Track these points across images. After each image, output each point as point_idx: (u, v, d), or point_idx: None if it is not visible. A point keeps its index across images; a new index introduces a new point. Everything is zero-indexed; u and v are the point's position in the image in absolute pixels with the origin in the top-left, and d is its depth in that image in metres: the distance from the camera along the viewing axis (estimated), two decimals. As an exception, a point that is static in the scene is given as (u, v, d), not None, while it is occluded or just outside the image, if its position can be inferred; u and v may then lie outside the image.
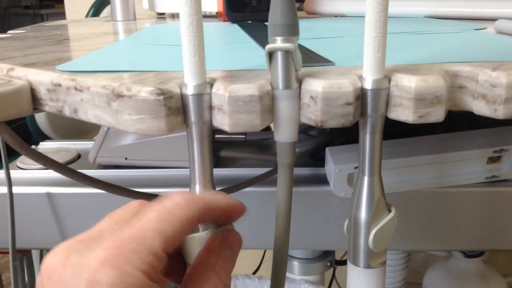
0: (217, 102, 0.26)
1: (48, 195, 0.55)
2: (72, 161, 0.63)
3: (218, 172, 0.60)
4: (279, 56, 0.26)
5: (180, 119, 0.26)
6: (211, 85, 0.26)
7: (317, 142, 0.59)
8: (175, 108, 0.25)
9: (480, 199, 0.52)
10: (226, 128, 0.26)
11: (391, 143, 0.50)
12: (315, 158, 0.60)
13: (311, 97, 0.26)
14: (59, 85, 0.28)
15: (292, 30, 0.25)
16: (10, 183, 0.53)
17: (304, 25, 0.57)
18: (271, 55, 0.26)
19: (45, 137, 1.04)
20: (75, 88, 0.28)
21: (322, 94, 0.25)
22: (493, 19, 0.56)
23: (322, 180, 0.52)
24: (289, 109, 0.26)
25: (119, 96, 0.25)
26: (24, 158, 0.61)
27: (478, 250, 0.70)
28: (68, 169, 0.39)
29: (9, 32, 0.57)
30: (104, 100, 0.26)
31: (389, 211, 0.29)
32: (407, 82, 0.26)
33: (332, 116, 0.26)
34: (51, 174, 0.57)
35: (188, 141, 0.27)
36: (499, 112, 0.26)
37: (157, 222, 0.21)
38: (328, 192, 0.51)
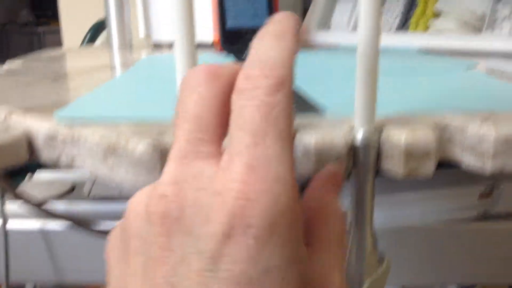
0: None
1: (42, 229, 0.55)
2: (67, 192, 0.63)
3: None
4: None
5: (175, 172, 0.26)
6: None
7: (306, 179, 0.60)
8: (170, 162, 0.26)
9: (471, 234, 0.52)
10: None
11: (379, 179, 0.50)
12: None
13: (304, 150, 0.26)
14: (56, 134, 0.29)
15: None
16: (5, 218, 0.53)
17: (298, 58, 0.58)
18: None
19: (42, 165, 1.04)
20: (72, 139, 0.28)
21: (315, 148, 0.26)
22: (484, 54, 0.57)
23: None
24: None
25: (115, 151, 0.26)
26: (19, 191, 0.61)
27: (470, 284, 0.71)
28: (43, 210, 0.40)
29: (6, 64, 0.57)
30: (101, 153, 0.26)
31: (382, 262, 0.30)
32: (397, 136, 0.26)
33: (325, 170, 0.26)
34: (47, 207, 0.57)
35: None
36: (487, 166, 0.27)
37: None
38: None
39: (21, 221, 0.54)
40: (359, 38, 0.25)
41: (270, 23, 0.21)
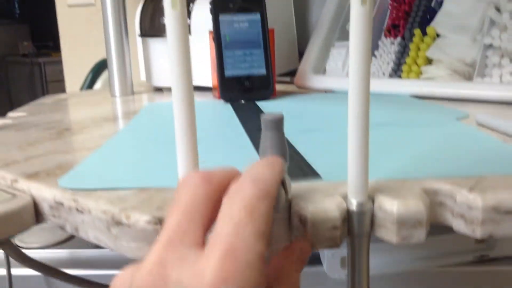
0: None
1: (46, 278, 0.56)
2: (69, 239, 0.63)
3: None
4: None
5: (176, 242, 0.27)
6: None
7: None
8: (172, 234, 0.27)
9: (468, 278, 0.53)
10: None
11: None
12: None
13: (300, 221, 0.28)
14: (61, 204, 0.30)
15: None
16: (9, 265, 0.54)
17: (293, 106, 0.59)
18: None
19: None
20: (77, 209, 0.29)
21: (310, 219, 0.27)
22: (475, 101, 0.58)
23: (317, 261, 0.53)
24: (278, 232, 0.28)
25: (118, 223, 0.27)
26: (24, 236, 0.62)
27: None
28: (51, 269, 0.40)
29: (9, 115, 0.59)
30: (104, 225, 0.27)
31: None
32: (389, 206, 0.28)
33: (320, 240, 0.27)
34: (49, 254, 0.58)
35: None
36: (477, 233, 0.28)
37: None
38: (322, 273, 0.52)
39: (25, 268, 0.55)
40: (350, 114, 0.27)
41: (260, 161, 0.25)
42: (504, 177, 0.31)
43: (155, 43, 0.76)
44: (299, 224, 0.27)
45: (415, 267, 0.51)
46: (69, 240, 0.63)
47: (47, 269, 0.38)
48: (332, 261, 0.48)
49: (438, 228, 0.52)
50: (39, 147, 0.42)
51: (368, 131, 0.27)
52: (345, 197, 0.28)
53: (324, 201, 0.28)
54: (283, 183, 0.27)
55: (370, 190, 0.29)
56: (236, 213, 0.20)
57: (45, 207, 0.31)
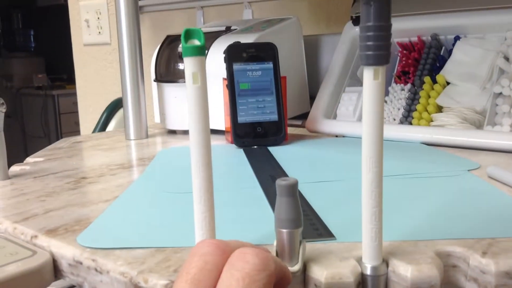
0: None
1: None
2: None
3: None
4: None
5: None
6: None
7: None
8: (188, 297, 0.27)
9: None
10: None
11: None
12: None
13: (315, 286, 0.28)
14: (80, 263, 0.31)
15: (296, 224, 0.28)
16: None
17: (304, 152, 0.60)
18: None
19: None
20: (95, 270, 0.30)
21: (325, 285, 0.27)
22: (485, 149, 0.59)
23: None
24: (295, 293, 0.28)
25: (137, 286, 0.27)
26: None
27: None
28: None
29: (27, 160, 0.60)
30: (123, 287, 0.28)
31: None
32: (404, 271, 0.28)
33: (335, 304, 0.28)
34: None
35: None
36: (490, 298, 0.28)
37: None
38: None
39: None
40: (363, 185, 0.28)
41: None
42: (517, 240, 0.31)
43: (169, 88, 0.78)
44: (314, 288, 0.28)
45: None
46: None
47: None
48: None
49: None
50: (57, 198, 0.43)
51: (382, 202, 0.28)
52: (359, 261, 0.29)
53: (339, 265, 0.28)
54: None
55: (383, 254, 0.29)
56: (234, 285, 0.21)
57: (64, 265, 0.32)
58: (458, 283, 0.30)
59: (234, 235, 0.34)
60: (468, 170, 0.50)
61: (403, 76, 0.75)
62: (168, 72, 0.79)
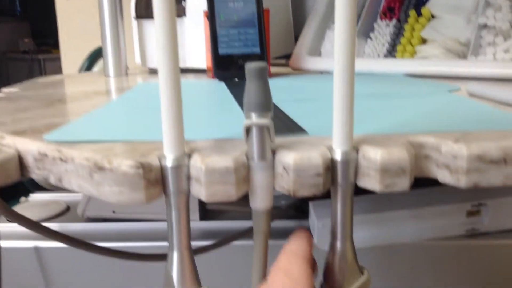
0: (194, 173, 0.27)
1: (36, 249, 0.56)
2: (61, 214, 0.63)
3: (206, 225, 0.61)
4: (254, 130, 0.27)
5: (159, 189, 0.27)
6: (189, 156, 0.27)
7: (302, 196, 0.60)
8: (154, 179, 0.27)
9: (461, 252, 0.53)
10: (202, 198, 0.27)
11: (371, 198, 0.51)
12: (300, 210, 0.61)
13: (284, 168, 0.27)
14: (46, 155, 0.30)
15: (266, 107, 0.27)
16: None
17: (286, 83, 0.59)
18: (248, 129, 0.27)
19: (38, 187, 1.05)
20: (60, 159, 0.29)
21: (294, 166, 0.27)
22: (468, 78, 0.58)
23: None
24: (264, 179, 0.28)
25: (101, 168, 0.27)
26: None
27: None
28: (39, 225, 0.40)
29: (3, 90, 0.59)
30: (87, 172, 0.27)
31: (362, 273, 0.30)
32: (373, 154, 0.27)
33: (303, 186, 0.27)
34: (39, 228, 0.58)
35: (166, 209, 0.28)
36: (461, 182, 0.28)
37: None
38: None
39: (14, 241, 0.55)
40: (336, 64, 0.27)
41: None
42: (490, 131, 0.31)
43: (149, 25, 0.76)
44: (283, 171, 0.27)
45: (404, 240, 0.51)
46: (61, 216, 0.63)
47: (34, 226, 0.38)
48: (323, 231, 0.48)
49: (430, 201, 0.52)
50: (28, 113, 0.42)
51: (354, 83, 0.27)
52: (330, 148, 0.28)
53: (309, 149, 0.28)
54: (268, 129, 0.27)
55: (355, 142, 0.29)
56: None
57: (29, 160, 0.31)
58: (430, 173, 0.30)
59: (205, 133, 0.34)
60: (449, 91, 0.49)
61: (388, 13, 0.73)
62: (148, 9, 0.77)
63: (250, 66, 0.27)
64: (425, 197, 0.53)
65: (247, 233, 0.55)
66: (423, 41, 0.67)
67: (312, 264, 0.30)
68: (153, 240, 0.57)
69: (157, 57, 0.26)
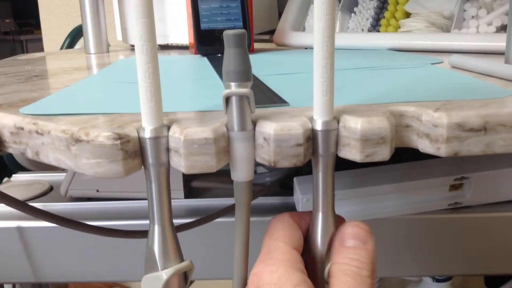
0: (173, 144, 0.27)
1: (19, 229, 0.55)
2: (44, 193, 0.63)
3: (190, 203, 0.61)
4: (234, 100, 0.27)
5: (137, 161, 0.27)
6: (168, 128, 0.27)
7: (286, 171, 0.61)
8: (132, 151, 0.26)
9: (444, 225, 0.54)
10: (182, 169, 0.27)
11: (355, 172, 0.51)
12: (285, 187, 0.61)
13: (264, 139, 0.27)
14: (22, 128, 0.29)
15: (245, 76, 0.27)
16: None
17: (269, 58, 0.59)
18: (227, 99, 0.27)
19: (21, 168, 1.03)
20: (37, 132, 0.28)
21: (274, 136, 0.27)
22: (452, 52, 0.58)
23: (291, 209, 0.53)
24: (244, 150, 0.27)
25: (78, 140, 0.26)
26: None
27: (445, 275, 0.72)
28: (25, 204, 0.40)
29: (-20, 67, 0.57)
30: (64, 144, 0.27)
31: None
32: (353, 124, 0.27)
33: (284, 157, 0.27)
34: (22, 208, 0.57)
35: (146, 182, 0.28)
36: (441, 151, 0.28)
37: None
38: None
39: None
40: (315, 35, 0.26)
41: None
42: (470, 101, 0.31)
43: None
44: (264, 142, 0.27)
45: (387, 215, 0.52)
46: (44, 195, 0.62)
47: (20, 205, 0.37)
48: (307, 206, 0.48)
49: (412, 175, 0.52)
50: (5, 88, 0.41)
51: (334, 52, 0.27)
52: (311, 119, 0.28)
53: (289, 120, 0.27)
54: (248, 98, 0.27)
55: (336, 113, 0.28)
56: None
57: (5, 134, 0.30)
58: (411, 142, 0.30)
59: (186, 105, 0.33)
60: (432, 64, 0.49)
61: (372, -13, 0.73)
62: (128, -17, 0.75)
63: (229, 33, 0.27)
64: (408, 171, 0.53)
65: (231, 210, 0.55)
66: (407, 15, 0.66)
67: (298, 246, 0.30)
68: (138, 219, 0.56)
69: (131, 24, 0.25)
